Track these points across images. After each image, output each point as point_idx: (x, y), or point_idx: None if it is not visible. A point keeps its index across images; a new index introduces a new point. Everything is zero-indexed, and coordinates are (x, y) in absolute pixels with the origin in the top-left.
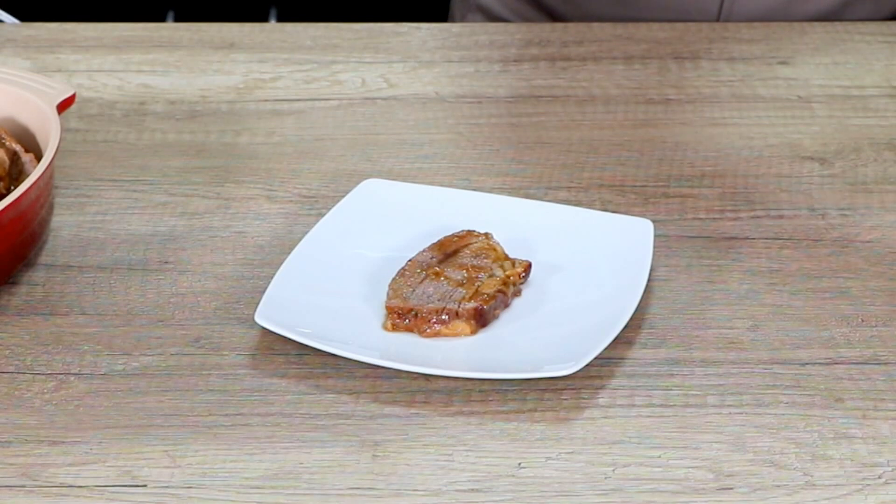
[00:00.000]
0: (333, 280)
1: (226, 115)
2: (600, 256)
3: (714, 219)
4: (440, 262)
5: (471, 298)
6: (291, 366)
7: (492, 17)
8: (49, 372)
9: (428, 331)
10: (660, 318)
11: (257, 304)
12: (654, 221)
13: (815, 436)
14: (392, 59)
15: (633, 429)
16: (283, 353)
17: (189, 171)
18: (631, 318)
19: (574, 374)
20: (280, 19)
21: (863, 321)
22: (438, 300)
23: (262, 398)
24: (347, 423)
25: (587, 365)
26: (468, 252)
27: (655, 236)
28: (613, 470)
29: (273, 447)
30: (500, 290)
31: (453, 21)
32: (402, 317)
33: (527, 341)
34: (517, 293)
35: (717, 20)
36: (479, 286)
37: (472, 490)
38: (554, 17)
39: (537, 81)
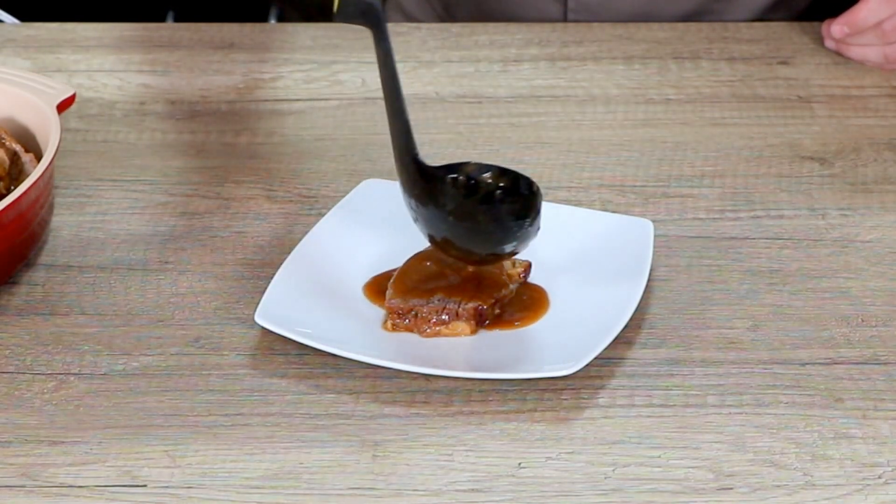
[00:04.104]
0: (333, 280)
1: (226, 115)
2: (600, 256)
3: (714, 219)
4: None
5: (471, 298)
6: (291, 366)
7: (406, 14)
8: (49, 372)
9: (428, 331)
10: (660, 318)
11: (257, 304)
12: (654, 221)
13: (815, 436)
14: None
15: (633, 429)
16: (283, 353)
17: (189, 171)
18: (631, 318)
19: (574, 374)
20: (280, 19)
21: (863, 321)
22: (438, 300)
23: (262, 398)
24: (347, 423)
25: (587, 365)
26: None
27: (655, 236)
28: (613, 470)
29: (273, 447)
30: None
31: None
32: (402, 317)
33: (527, 341)
34: None
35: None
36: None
37: (472, 490)
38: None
39: (537, 81)
